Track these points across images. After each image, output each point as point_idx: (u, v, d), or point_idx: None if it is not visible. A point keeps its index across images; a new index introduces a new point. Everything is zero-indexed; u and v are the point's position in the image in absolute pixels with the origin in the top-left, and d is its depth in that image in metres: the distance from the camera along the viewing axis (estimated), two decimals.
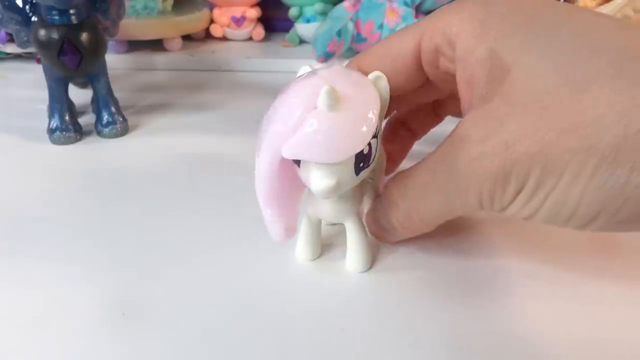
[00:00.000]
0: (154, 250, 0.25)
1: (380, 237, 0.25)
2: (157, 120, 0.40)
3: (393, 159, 0.29)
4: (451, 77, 0.22)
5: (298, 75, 0.21)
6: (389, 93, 0.21)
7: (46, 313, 0.21)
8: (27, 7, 0.33)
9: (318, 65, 0.47)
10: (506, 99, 0.19)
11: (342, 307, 0.22)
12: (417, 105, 0.29)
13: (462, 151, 0.19)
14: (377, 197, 0.24)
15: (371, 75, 0.21)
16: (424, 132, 0.30)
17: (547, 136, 0.17)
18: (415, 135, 0.30)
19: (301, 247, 0.24)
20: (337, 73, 0.20)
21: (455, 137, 0.20)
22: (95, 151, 0.35)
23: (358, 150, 0.19)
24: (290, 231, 0.22)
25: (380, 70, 0.21)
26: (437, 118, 0.29)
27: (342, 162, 0.19)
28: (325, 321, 0.21)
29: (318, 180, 0.19)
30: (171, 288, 0.23)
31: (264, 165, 0.20)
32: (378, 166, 0.25)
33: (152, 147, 0.36)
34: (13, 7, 0.33)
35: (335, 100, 0.18)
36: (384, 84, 0.21)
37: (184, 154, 0.35)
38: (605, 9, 0.27)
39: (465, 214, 0.21)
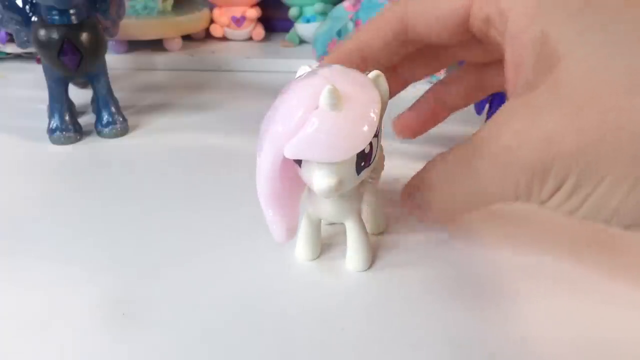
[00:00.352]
0: (154, 250, 0.25)
1: (415, 214, 0.24)
2: (157, 120, 0.40)
3: (412, 128, 0.29)
4: (501, 49, 0.21)
5: (297, 75, 0.21)
6: (388, 92, 0.21)
7: (46, 313, 0.21)
8: (27, 7, 0.33)
9: (318, 65, 0.47)
10: (553, 90, 0.18)
11: (342, 306, 0.22)
12: (463, 75, 0.28)
13: (501, 140, 0.19)
14: (417, 174, 0.23)
15: (371, 75, 0.21)
16: (460, 106, 0.29)
17: (591, 137, 0.17)
18: (449, 109, 0.29)
19: (301, 246, 0.24)
20: (338, 73, 0.20)
21: (495, 124, 0.19)
22: (95, 151, 0.35)
23: (360, 150, 0.19)
24: (292, 231, 0.22)
25: (424, 27, 0.22)
26: (481, 92, 0.28)
27: (343, 161, 0.19)
28: (325, 320, 0.21)
29: (320, 179, 0.19)
30: (171, 288, 0.23)
31: (265, 166, 0.20)
32: (378, 165, 0.25)
33: (152, 147, 0.36)
34: (13, 7, 0.33)
35: (337, 99, 0.18)
36: (384, 83, 0.21)
37: (184, 154, 0.35)
38: None
39: (503, 203, 0.20)
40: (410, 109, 0.30)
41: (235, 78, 0.50)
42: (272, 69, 0.51)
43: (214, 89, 0.47)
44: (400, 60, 0.26)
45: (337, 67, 0.21)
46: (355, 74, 0.21)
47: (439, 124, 0.30)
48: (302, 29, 0.55)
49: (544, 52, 0.18)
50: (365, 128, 0.19)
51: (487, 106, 0.36)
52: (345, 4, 0.50)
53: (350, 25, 0.49)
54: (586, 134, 0.17)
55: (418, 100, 0.30)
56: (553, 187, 0.18)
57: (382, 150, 0.25)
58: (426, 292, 0.23)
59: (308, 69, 0.21)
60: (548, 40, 0.18)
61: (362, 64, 0.25)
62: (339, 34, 0.48)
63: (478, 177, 0.20)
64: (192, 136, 0.37)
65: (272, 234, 0.22)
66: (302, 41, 0.56)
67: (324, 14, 0.53)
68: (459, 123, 0.38)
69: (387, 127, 0.25)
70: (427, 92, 0.30)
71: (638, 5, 0.18)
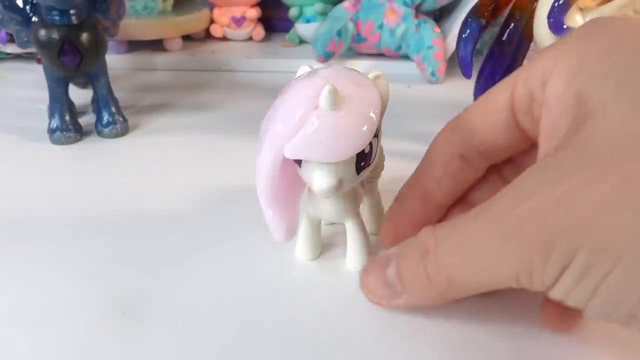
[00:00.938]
0: (154, 250, 0.25)
1: (376, 294, 0.21)
2: (157, 120, 0.40)
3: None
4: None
5: (297, 75, 0.22)
6: (388, 92, 0.21)
7: (46, 313, 0.21)
8: (28, 7, 0.33)
9: (318, 65, 0.47)
10: (576, 149, 0.15)
11: (342, 306, 0.22)
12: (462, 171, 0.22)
13: (509, 206, 0.16)
14: (392, 250, 0.21)
15: (371, 75, 0.21)
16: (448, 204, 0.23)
17: (609, 206, 0.14)
18: (438, 207, 0.23)
19: (301, 247, 0.24)
20: (338, 73, 0.20)
21: (509, 188, 0.16)
22: (95, 151, 0.35)
23: (360, 150, 0.19)
24: (292, 231, 0.22)
25: (475, 128, 0.21)
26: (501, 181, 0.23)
27: (343, 161, 0.19)
28: (325, 321, 0.21)
29: (320, 179, 0.19)
30: (171, 288, 0.23)
31: (265, 166, 0.20)
32: (378, 165, 0.25)
33: (152, 147, 0.36)
34: (13, 7, 0.33)
35: (336, 99, 0.18)
36: (384, 83, 0.21)
37: (184, 154, 0.35)
38: (606, 9, 0.27)
39: (506, 288, 0.17)
40: (392, 217, 0.23)
41: (235, 78, 0.50)
42: (272, 69, 0.51)
43: (214, 89, 0.47)
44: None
45: (337, 67, 0.21)
46: (355, 74, 0.21)
47: (440, 123, 0.30)
48: (302, 29, 0.55)
49: (578, 114, 0.16)
50: (365, 128, 0.19)
51: None
52: (345, 4, 0.50)
53: (350, 25, 0.49)
54: (603, 202, 0.14)
55: (400, 204, 0.23)
56: (558, 267, 0.15)
57: (382, 150, 0.25)
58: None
59: (308, 69, 0.21)
60: (582, 101, 0.16)
61: (428, 209, 0.22)
62: (339, 34, 0.48)
63: (482, 252, 0.17)
64: (192, 136, 0.37)
65: (272, 234, 0.22)
66: (302, 41, 0.56)
67: (324, 14, 0.53)
68: None
69: (387, 128, 0.25)
70: (408, 189, 0.23)
71: None
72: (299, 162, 0.20)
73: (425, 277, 0.18)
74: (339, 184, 0.20)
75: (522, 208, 0.15)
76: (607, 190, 0.14)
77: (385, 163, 0.26)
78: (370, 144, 0.20)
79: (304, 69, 0.22)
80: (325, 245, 0.25)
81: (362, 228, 0.23)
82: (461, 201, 0.23)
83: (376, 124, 0.20)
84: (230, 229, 0.27)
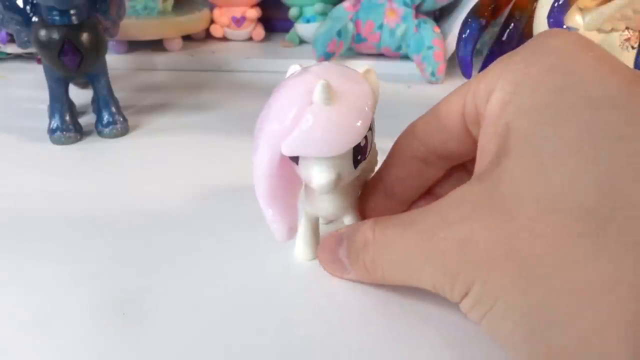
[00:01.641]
0: (154, 250, 0.25)
1: (329, 268, 0.23)
2: (157, 120, 0.40)
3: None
4: None
5: (288, 74, 0.22)
6: (379, 86, 0.21)
7: (46, 313, 0.21)
8: (28, 7, 0.33)
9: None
10: (490, 187, 0.17)
11: (341, 305, 0.22)
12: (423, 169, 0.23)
13: (430, 227, 0.18)
14: (345, 230, 0.22)
15: (361, 69, 0.21)
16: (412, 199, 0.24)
17: (497, 251, 0.16)
18: (401, 202, 0.24)
19: (300, 246, 0.24)
20: (329, 69, 0.20)
21: (434, 207, 0.19)
22: (95, 151, 0.35)
23: (356, 143, 0.19)
24: (293, 230, 0.22)
25: (433, 138, 0.22)
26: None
27: (341, 155, 0.20)
28: (324, 320, 0.21)
29: (319, 174, 0.20)
30: (171, 288, 0.23)
31: (263, 165, 0.20)
32: (371, 161, 0.25)
33: (152, 147, 0.36)
34: (13, 7, 0.33)
35: (330, 94, 0.19)
36: (374, 77, 0.21)
37: (184, 154, 0.35)
38: (605, 9, 0.27)
39: (423, 288, 0.19)
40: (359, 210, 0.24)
41: (235, 78, 0.50)
42: (272, 69, 0.51)
43: (214, 89, 0.47)
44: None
45: (327, 63, 0.21)
46: (345, 70, 0.21)
47: None
48: (302, 29, 0.55)
49: (501, 146, 0.17)
50: (360, 122, 0.19)
51: None
52: (345, 4, 0.50)
53: (350, 25, 0.49)
54: (494, 248, 0.16)
55: (365, 199, 0.24)
56: (461, 293, 0.17)
57: (375, 145, 0.25)
58: (425, 291, 0.22)
59: (298, 68, 0.22)
60: (507, 132, 0.17)
61: (391, 204, 0.24)
62: (339, 34, 0.48)
63: (408, 256, 0.19)
64: (192, 136, 0.37)
65: (273, 234, 0.22)
66: (302, 41, 0.57)
67: (324, 14, 0.53)
68: None
69: (387, 127, 0.25)
70: (373, 185, 0.24)
71: (601, 109, 0.16)
72: (295, 159, 0.20)
73: (363, 266, 0.21)
74: (338, 179, 0.20)
75: (440, 237, 0.18)
76: (495, 243, 0.16)
77: (378, 158, 0.25)
78: (365, 137, 0.20)
79: (294, 68, 0.22)
80: None
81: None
82: (427, 193, 0.24)
83: (370, 117, 0.20)
84: (230, 229, 0.27)
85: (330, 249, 0.23)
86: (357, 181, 0.23)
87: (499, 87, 0.18)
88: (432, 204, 0.19)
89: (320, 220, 0.25)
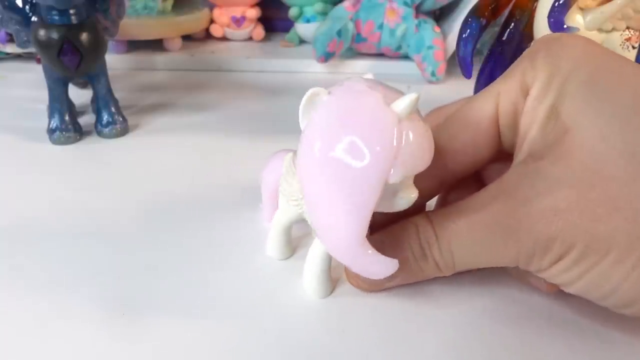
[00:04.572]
0: (154, 251, 0.25)
1: (368, 283, 0.22)
2: (157, 120, 0.40)
3: None
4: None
5: (309, 99, 0.19)
6: None
7: (46, 313, 0.21)
8: (27, 7, 0.33)
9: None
10: (559, 161, 0.18)
11: (343, 308, 0.22)
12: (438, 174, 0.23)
13: (505, 206, 0.19)
14: (380, 236, 0.21)
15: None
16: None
17: (597, 210, 0.17)
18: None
19: (273, 245, 0.24)
20: (381, 86, 0.19)
21: (499, 189, 0.19)
22: (95, 151, 0.35)
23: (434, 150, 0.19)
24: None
25: (461, 142, 0.21)
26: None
27: None
28: (325, 323, 0.21)
29: (411, 189, 0.19)
30: (171, 288, 0.23)
31: (372, 202, 0.18)
32: None
33: (152, 147, 0.36)
34: (13, 7, 0.33)
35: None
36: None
37: (184, 154, 0.35)
38: (606, 9, 0.27)
39: (502, 266, 0.20)
40: None
41: (235, 78, 0.50)
42: (272, 69, 0.51)
43: (214, 89, 0.47)
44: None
45: (370, 79, 0.20)
46: (382, 85, 0.20)
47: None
48: (302, 29, 0.55)
49: (553, 125, 0.19)
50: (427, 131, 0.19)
51: None
52: (345, 4, 0.50)
53: (350, 25, 0.49)
54: (593, 208, 0.17)
55: None
56: (555, 258, 0.18)
57: None
58: (431, 299, 0.22)
59: (325, 92, 0.19)
60: (557, 114, 0.19)
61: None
62: (339, 34, 0.48)
63: (479, 237, 0.19)
64: (192, 136, 0.37)
65: (376, 273, 0.19)
66: (302, 41, 0.56)
67: (324, 14, 0.53)
68: None
69: None
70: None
71: (633, 78, 0.19)
72: None
73: (432, 263, 0.21)
74: None
75: (523, 212, 0.18)
76: (594, 204, 0.17)
77: None
78: None
79: (317, 91, 0.19)
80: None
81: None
82: None
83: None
84: (230, 229, 0.26)
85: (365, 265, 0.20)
86: None
87: (538, 80, 0.20)
88: (486, 188, 0.20)
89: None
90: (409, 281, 0.22)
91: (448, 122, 0.22)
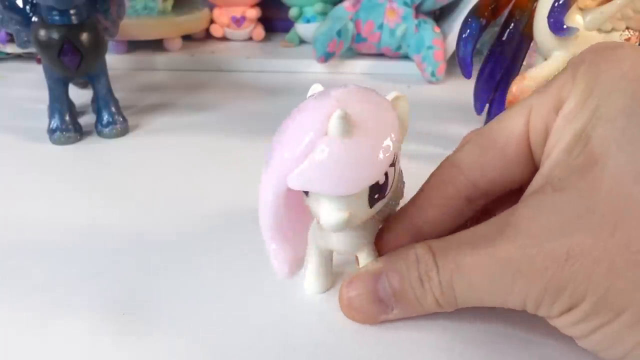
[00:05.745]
0: (154, 251, 0.25)
1: (364, 314, 0.20)
2: (157, 120, 0.40)
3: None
4: None
5: (309, 94, 0.19)
6: (407, 115, 0.19)
7: (46, 313, 0.21)
8: (28, 7, 0.33)
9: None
10: (581, 197, 0.16)
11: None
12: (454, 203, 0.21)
13: (514, 244, 0.17)
14: (377, 266, 0.20)
15: (390, 96, 0.19)
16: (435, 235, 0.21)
17: (615, 260, 0.15)
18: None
19: (310, 279, 0.22)
20: (352, 94, 0.18)
21: (510, 222, 0.17)
22: (95, 151, 0.35)
23: (373, 182, 0.17)
24: (297, 265, 0.21)
25: (486, 167, 0.19)
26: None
27: (355, 194, 0.18)
28: (324, 319, 0.21)
29: (328, 213, 0.18)
30: (171, 288, 0.23)
31: (267, 197, 0.18)
32: (396, 194, 0.22)
33: (152, 147, 0.36)
34: (13, 7, 0.33)
35: (348, 125, 0.17)
36: (405, 105, 0.19)
37: (184, 154, 0.35)
38: (606, 9, 0.27)
39: (507, 307, 0.18)
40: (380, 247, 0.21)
41: (235, 78, 0.50)
42: (272, 69, 0.51)
43: (214, 89, 0.47)
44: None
45: (352, 87, 0.19)
46: (371, 96, 0.19)
47: (440, 123, 0.29)
48: (302, 29, 0.55)
49: (581, 151, 0.17)
50: (381, 157, 0.17)
51: (487, 106, 0.36)
52: (345, 4, 0.50)
53: (350, 25, 0.49)
54: (612, 258, 0.15)
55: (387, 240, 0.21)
56: (565, 307, 0.16)
57: (401, 175, 0.22)
58: (441, 344, 0.20)
59: (320, 88, 0.19)
60: (586, 140, 0.17)
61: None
62: (339, 34, 0.48)
63: (485, 274, 0.17)
64: (192, 136, 0.37)
65: (274, 270, 0.20)
66: (302, 41, 0.56)
67: (324, 14, 0.53)
68: (459, 123, 0.38)
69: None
70: (400, 227, 0.21)
71: None
72: (305, 191, 0.18)
73: (431, 298, 0.19)
74: (349, 220, 0.18)
75: (532, 253, 0.16)
76: (612, 252, 0.15)
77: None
78: (386, 174, 0.18)
79: (315, 88, 0.20)
80: (338, 274, 0.23)
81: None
82: None
83: (393, 152, 0.17)
84: (230, 229, 0.26)
85: (367, 290, 0.20)
86: (378, 215, 0.21)
87: (572, 96, 0.18)
88: (496, 219, 0.18)
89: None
90: (406, 315, 0.20)
91: (477, 136, 0.20)
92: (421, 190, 0.21)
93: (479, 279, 0.18)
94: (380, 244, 0.21)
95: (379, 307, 0.20)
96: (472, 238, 0.18)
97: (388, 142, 0.17)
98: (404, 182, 0.23)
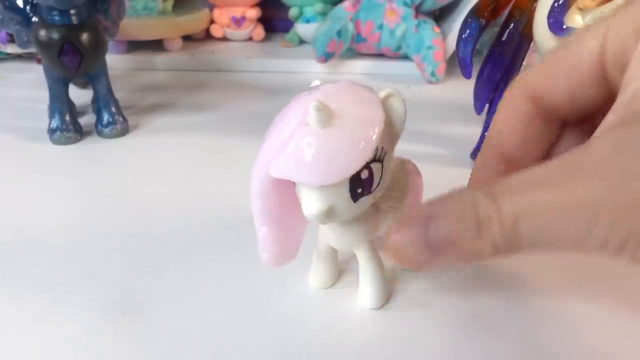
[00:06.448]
0: (154, 251, 0.25)
1: (414, 258, 0.18)
2: (157, 120, 0.40)
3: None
4: None
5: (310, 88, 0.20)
6: (403, 113, 0.19)
7: (46, 313, 0.21)
8: (28, 7, 0.33)
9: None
10: None
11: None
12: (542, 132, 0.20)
13: (593, 187, 0.15)
14: (430, 208, 0.18)
15: (382, 93, 0.19)
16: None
17: None
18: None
19: (314, 273, 0.23)
20: (341, 89, 0.18)
21: (589, 156, 0.16)
22: (95, 151, 0.35)
23: (350, 173, 0.17)
24: (285, 256, 0.21)
25: (557, 87, 0.18)
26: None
27: (335, 185, 0.18)
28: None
29: (308, 203, 0.18)
30: (171, 288, 0.23)
31: (255, 183, 0.19)
32: (399, 193, 0.22)
33: (152, 147, 0.36)
34: (14, 7, 0.33)
35: (325, 116, 0.17)
36: (397, 103, 0.19)
37: (184, 154, 0.35)
38: (606, 9, 0.27)
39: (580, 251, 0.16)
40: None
41: (235, 78, 0.50)
42: (272, 69, 0.51)
43: (214, 89, 0.47)
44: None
45: (344, 83, 0.19)
46: (361, 91, 0.19)
47: (440, 123, 0.29)
48: (302, 29, 0.55)
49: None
50: (359, 149, 0.17)
51: (487, 106, 0.36)
52: (345, 4, 0.50)
53: (350, 25, 0.49)
54: None
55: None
56: None
57: (407, 177, 0.22)
58: (445, 334, 0.20)
59: (318, 83, 0.20)
60: None
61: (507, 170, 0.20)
62: (339, 34, 0.48)
63: (555, 219, 0.16)
64: (192, 136, 0.37)
65: (260, 256, 0.20)
66: (302, 41, 0.56)
67: (324, 14, 0.53)
68: (459, 123, 0.38)
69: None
70: (485, 157, 0.21)
71: None
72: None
73: (491, 242, 0.16)
74: (330, 211, 0.18)
75: (615, 197, 0.15)
76: None
77: None
78: (371, 169, 0.18)
79: (315, 84, 0.20)
80: (345, 270, 0.23)
81: (375, 259, 0.21)
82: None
83: (373, 146, 0.17)
84: (230, 228, 0.26)
85: (416, 236, 0.17)
86: (377, 214, 0.21)
87: None
88: (569, 155, 0.16)
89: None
90: (459, 262, 0.18)
91: (546, 60, 0.19)
92: (498, 115, 0.20)
93: (549, 222, 0.16)
94: (475, 175, 0.21)
95: (427, 255, 0.18)
96: (540, 177, 0.16)
97: (369, 136, 0.17)
98: (407, 177, 0.22)
